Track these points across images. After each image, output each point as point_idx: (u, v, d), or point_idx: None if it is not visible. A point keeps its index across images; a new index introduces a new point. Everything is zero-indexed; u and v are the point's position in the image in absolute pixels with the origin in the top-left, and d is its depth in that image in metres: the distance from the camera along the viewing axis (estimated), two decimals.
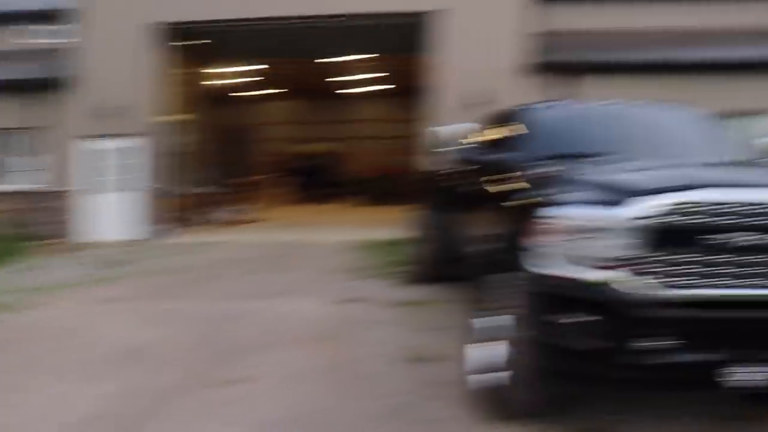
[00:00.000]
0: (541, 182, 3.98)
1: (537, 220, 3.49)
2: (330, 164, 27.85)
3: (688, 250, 3.11)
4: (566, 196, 3.44)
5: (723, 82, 13.99)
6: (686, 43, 15.13)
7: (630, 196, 3.21)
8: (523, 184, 4.28)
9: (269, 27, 14.77)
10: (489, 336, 4.04)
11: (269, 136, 30.32)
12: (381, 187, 22.41)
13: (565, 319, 3.25)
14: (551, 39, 15.31)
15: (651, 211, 3.11)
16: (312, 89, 29.41)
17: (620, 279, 3.15)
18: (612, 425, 3.87)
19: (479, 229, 5.51)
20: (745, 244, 3.10)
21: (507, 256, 4.30)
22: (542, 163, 4.38)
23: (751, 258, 3.13)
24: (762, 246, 3.12)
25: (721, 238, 3.10)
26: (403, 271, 8.84)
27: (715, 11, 16.39)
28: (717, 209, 3.10)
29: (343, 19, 14.16)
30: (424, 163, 13.91)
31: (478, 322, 4.20)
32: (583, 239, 3.22)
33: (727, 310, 3.15)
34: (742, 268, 3.13)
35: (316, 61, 22.19)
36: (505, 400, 3.68)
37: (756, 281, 3.14)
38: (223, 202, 17.51)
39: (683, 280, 3.12)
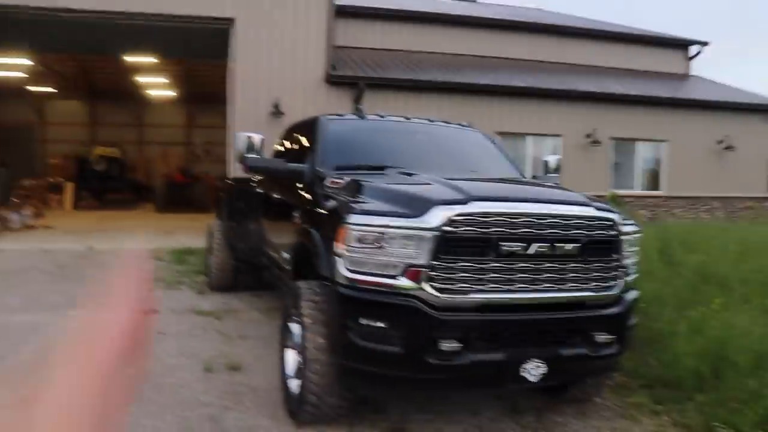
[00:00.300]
0: (336, 192, 4.27)
1: (334, 228, 3.75)
2: (127, 169, 26.42)
3: (466, 258, 3.51)
4: (361, 206, 3.71)
5: (496, 104, 15.63)
6: (464, 68, 16.78)
7: (420, 207, 3.54)
8: (319, 194, 4.54)
9: (56, 18, 13.66)
10: (296, 341, 4.25)
11: (60, 138, 28.23)
12: (180, 194, 21.74)
13: (364, 323, 3.52)
14: (345, 54, 16.09)
15: (438, 222, 3.45)
16: (109, 90, 27.89)
17: (412, 285, 3.47)
18: (419, 425, 4.21)
19: (278, 238, 5.72)
20: (512, 252, 3.57)
21: (308, 263, 4.56)
22: (334, 174, 4.68)
23: (520, 265, 3.62)
24: (527, 255, 3.61)
25: (493, 247, 3.53)
26: (204, 280, 8.79)
27: (492, 42, 18.49)
28: (490, 221, 3.53)
29: (140, 19, 13.54)
30: (224, 170, 13.93)
31: (286, 328, 4.38)
32: (379, 246, 3.51)
33: (501, 314, 3.61)
34: (511, 274, 3.61)
35: (112, 59, 21.08)
36: (313, 405, 3.86)
37: (522, 286, 3.64)
38: (4, 206, 15.98)
39: (463, 287, 3.51)
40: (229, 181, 8.83)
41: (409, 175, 4.54)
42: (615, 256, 3.95)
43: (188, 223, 17.27)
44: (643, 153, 17.21)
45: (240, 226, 7.58)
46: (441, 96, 15.12)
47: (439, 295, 3.47)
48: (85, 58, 22.51)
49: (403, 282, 3.49)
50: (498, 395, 4.74)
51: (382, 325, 3.51)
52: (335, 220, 3.82)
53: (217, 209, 9.11)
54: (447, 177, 4.24)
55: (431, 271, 3.47)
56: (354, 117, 5.80)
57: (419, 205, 3.58)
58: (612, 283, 3.96)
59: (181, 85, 26.77)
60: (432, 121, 6.10)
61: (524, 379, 3.62)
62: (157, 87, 27.20)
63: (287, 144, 6.70)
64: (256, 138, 5.26)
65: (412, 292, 3.48)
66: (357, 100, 14.35)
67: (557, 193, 4.14)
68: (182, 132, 31.37)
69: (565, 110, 16.15)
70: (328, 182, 4.53)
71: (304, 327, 3.88)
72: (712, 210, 17.31)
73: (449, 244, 3.48)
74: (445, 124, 6.15)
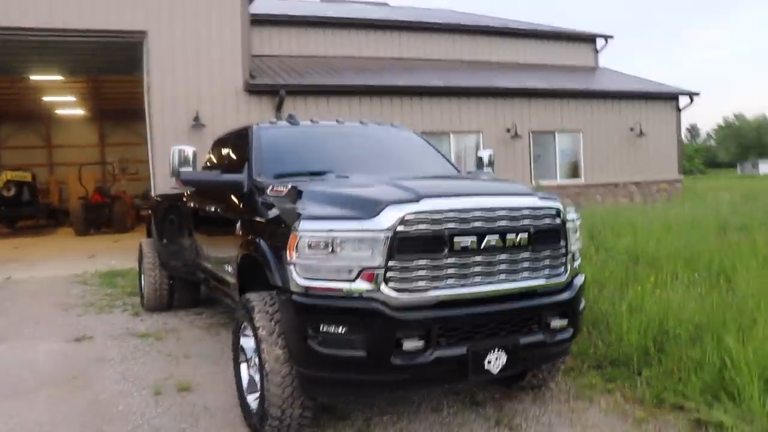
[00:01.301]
0: (279, 200, 4.18)
1: (283, 236, 3.66)
2: (39, 193, 25.20)
3: (421, 256, 3.49)
4: (309, 211, 3.65)
5: (416, 105, 15.83)
6: (382, 71, 16.95)
7: (371, 209, 3.50)
8: (261, 204, 4.43)
9: None
10: (252, 356, 4.13)
11: None
12: (99, 215, 20.94)
13: (324, 330, 3.46)
14: (263, 62, 15.96)
15: (391, 222, 3.42)
16: (13, 111, 26.60)
17: (369, 288, 3.42)
18: (384, 427, 4.17)
19: (219, 251, 5.57)
20: (465, 246, 3.58)
21: (255, 274, 4.46)
22: (275, 182, 4.59)
23: (474, 259, 3.63)
24: (481, 248, 3.63)
25: (447, 243, 3.53)
26: (138, 301, 8.48)
27: (408, 44, 18.81)
28: (442, 218, 3.53)
29: (48, 35, 12.93)
30: (144, 188, 13.54)
31: (239, 343, 4.27)
32: (331, 251, 3.45)
33: (460, 308, 3.60)
34: (467, 268, 3.62)
35: (16, 79, 20.12)
36: (276, 418, 3.75)
37: (478, 280, 3.66)
38: None
39: (420, 285, 3.49)
40: (158, 198, 8.54)
41: (352, 178, 4.50)
42: (562, 243, 4.03)
43: (111, 244, 16.69)
44: (561, 144, 17.76)
45: (173, 243, 7.35)
46: (362, 99, 15.17)
47: (397, 295, 3.45)
48: None
49: (360, 285, 3.44)
50: (456, 390, 4.76)
51: (342, 330, 3.46)
52: (283, 229, 3.74)
53: (147, 227, 8.80)
54: (389, 178, 4.23)
55: (387, 272, 3.44)
56: (287, 124, 5.69)
57: (370, 207, 3.54)
58: (561, 269, 4.04)
59: (90, 103, 25.86)
60: (364, 123, 6.08)
61: (487, 371, 3.65)
62: (66, 106, 26.20)
63: (217, 156, 6.54)
64: (189, 151, 5.11)
65: (369, 295, 3.44)
66: (278, 107, 14.20)
67: (503, 186, 4.19)
68: (95, 151, 30.32)
69: (485, 107, 16.49)
70: (269, 191, 4.43)
71: (259, 340, 3.77)
72: (630, 194, 18.05)
73: (403, 244, 3.46)
74: (377, 125, 6.14)
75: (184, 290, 7.97)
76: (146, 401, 4.73)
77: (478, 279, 3.67)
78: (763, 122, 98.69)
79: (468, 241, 3.60)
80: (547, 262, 3.96)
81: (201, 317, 7.68)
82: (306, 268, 3.52)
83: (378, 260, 3.43)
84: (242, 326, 4.19)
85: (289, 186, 4.15)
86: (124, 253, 13.78)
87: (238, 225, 4.70)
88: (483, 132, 16.50)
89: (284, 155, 5.19)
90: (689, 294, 6.12)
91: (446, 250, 3.55)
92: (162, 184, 12.33)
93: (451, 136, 16.32)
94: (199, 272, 6.69)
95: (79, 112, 27.68)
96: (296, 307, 3.55)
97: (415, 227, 3.48)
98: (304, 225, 3.53)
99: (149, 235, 8.46)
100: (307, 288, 3.52)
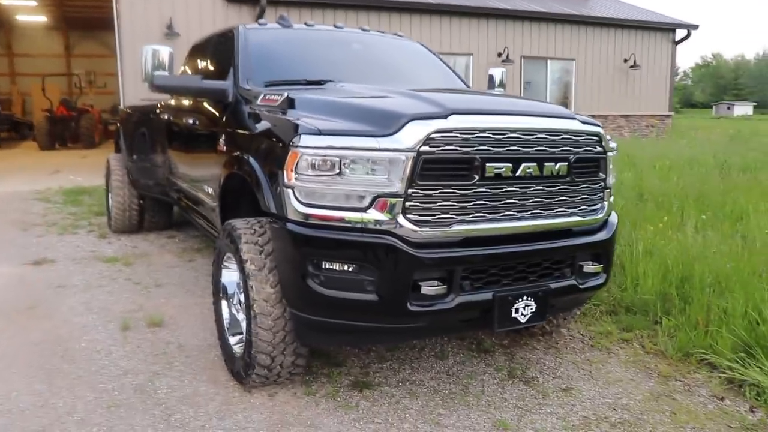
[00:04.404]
0: (273, 110, 3.53)
1: (280, 154, 3.05)
2: (1, 103, 23.81)
3: (447, 183, 2.91)
4: (312, 123, 3.00)
5: (406, 23, 14.95)
6: None
7: (390, 124, 2.89)
8: (250, 115, 3.77)
9: None
10: (235, 292, 3.57)
11: None
12: (64, 129, 19.85)
13: (327, 267, 2.89)
14: None
15: (414, 141, 2.81)
16: None
17: (384, 218, 2.85)
18: (384, 376, 3.68)
19: (196, 170, 4.92)
20: (499, 174, 3.00)
21: (241, 197, 3.85)
22: (266, 90, 3.93)
23: (506, 189, 3.07)
24: (515, 177, 3.06)
25: (478, 168, 2.95)
26: (104, 221, 7.81)
27: None
28: (474, 138, 2.93)
29: None
30: (120, 101, 12.62)
31: (220, 276, 3.69)
32: (338, 173, 2.85)
33: (487, 247, 3.04)
34: (498, 200, 3.05)
35: None
36: (264, 366, 3.23)
37: (509, 214, 3.09)
38: None
39: (444, 218, 2.93)
40: (128, 110, 7.73)
41: (358, 88, 3.83)
42: (601, 175, 3.48)
43: (77, 160, 15.80)
44: (552, 72, 17.05)
45: (144, 159, 6.65)
46: (348, 13, 14.25)
47: (417, 228, 2.87)
48: None
49: (373, 215, 2.85)
50: (461, 335, 4.27)
51: (349, 268, 2.89)
52: (279, 145, 3.12)
53: (115, 142, 8.03)
54: (407, 89, 3.58)
55: (406, 201, 2.85)
56: (278, 26, 4.92)
57: (388, 121, 2.91)
58: (598, 205, 3.51)
59: (54, 10, 24.18)
60: (366, 30, 5.34)
61: (515, 320, 3.13)
62: (27, 11, 24.49)
63: (194, 66, 5.77)
64: (164, 52, 4.37)
65: (384, 227, 2.86)
66: (259, 18, 13.19)
67: (541, 106, 3.54)
68: (61, 62, 28.65)
69: (477, 28, 15.65)
70: (260, 100, 3.76)
71: (246, 275, 3.18)
72: (619, 128, 17.54)
73: (427, 168, 2.86)
74: (380, 34, 5.41)
75: (155, 211, 7.31)
76: (113, 337, 4.17)
77: (509, 213, 3.11)
78: (741, 63, 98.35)
79: (502, 167, 3.02)
80: (584, 196, 3.40)
81: (173, 241, 7.07)
82: (307, 193, 2.91)
83: (396, 186, 2.83)
84: (224, 257, 3.60)
85: (285, 94, 3.48)
86: (90, 170, 12.97)
87: (222, 140, 4.04)
88: (474, 55, 15.71)
89: (275, 61, 4.48)
90: (707, 238, 5.67)
91: (476, 178, 2.96)
92: (131, 97, 11.50)
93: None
94: (172, 192, 6.04)
95: (42, 18, 25.97)
96: (294, 238, 2.95)
97: (442, 148, 2.88)
98: (305, 140, 2.90)
99: (117, 150, 7.71)
100: (307, 216, 2.92)
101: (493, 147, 2.99)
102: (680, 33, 18.35)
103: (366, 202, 2.86)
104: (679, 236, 5.80)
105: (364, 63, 4.80)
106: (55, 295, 5.01)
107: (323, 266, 2.91)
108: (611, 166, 3.59)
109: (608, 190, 3.56)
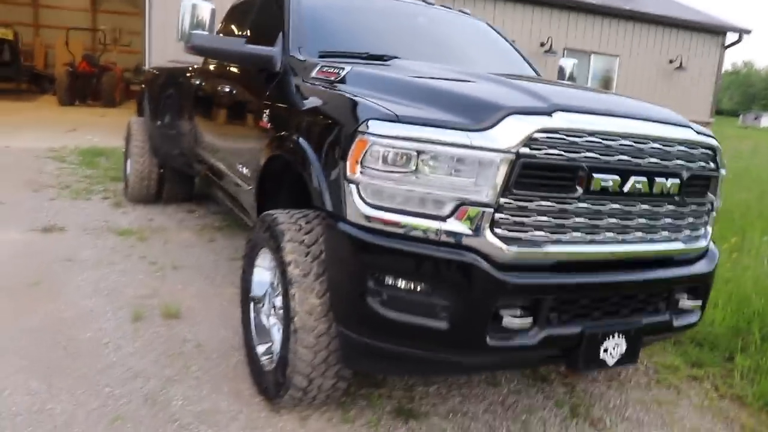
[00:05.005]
0: (332, 86, 3.00)
1: (343, 140, 2.53)
2: (21, 55, 23.26)
3: (543, 194, 2.39)
4: (388, 106, 2.47)
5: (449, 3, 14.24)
6: None
7: (484, 115, 2.36)
8: (304, 89, 3.25)
9: None
10: (270, 297, 3.07)
11: None
12: (85, 85, 19.35)
13: (392, 284, 2.38)
14: None
15: (514, 140, 2.28)
16: None
17: (467, 231, 2.33)
18: (431, 404, 3.19)
19: (230, 144, 4.41)
20: (605, 188, 2.47)
21: (284, 183, 3.34)
22: (322, 61, 3.41)
23: (610, 206, 2.54)
24: (621, 192, 2.52)
25: (582, 179, 2.42)
26: (120, 188, 7.33)
27: None
28: (581, 142, 2.41)
29: None
30: (145, 61, 12.13)
31: (252, 274, 3.18)
32: (414, 170, 2.33)
33: (582, 274, 2.53)
34: (599, 219, 2.53)
35: None
36: (300, 389, 2.74)
37: (609, 236, 2.57)
38: None
39: (537, 236, 2.41)
40: (155, 71, 7.20)
41: (434, 69, 3.27)
42: (710, 197, 2.94)
43: (96, 119, 15.33)
44: (595, 67, 16.36)
45: (169, 126, 6.14)
46: None
47: (505, 247, 2.34)
48: None
49: (454, 226, 2.33)
50: None
51: (419, 288, 2.37)
52: (342, 129, 2.59)
53: (138, 104, 7.52)
54: (492, 75, 3.04)
55: (497, 213, 2.33)
56: None
57: (482, 113, 2.38)
58: (702, 231, 2.97)
59: None
60: (430, 2, 4.76)
61: (602, 361, 2.61)
62: None
63: (233, 28, 5.23)
64: (205, 8, 3.85)
65: (466, 242, 2.34)
66: None
67: (650, 108, 2.97)
68: (86, 16, 28.06)
69: (521, 15, 14.97)
70: (315, 72, 3.24)
71: (288, 280, 2.67)
72: None
73: (526, 174, 2.33)
74: (445, 9, 4.83)
75: (175, 182, 6.81)
76: (122, 329, 3.68)
77: (609, 235, 2.58)
78: None
79: (609, 180, 2.48)
80: (690, 219, 2.87)
81: (193, 216, 6.57)
82: (374, 191, 2.39)
83: (486, 193, 2.31)
84: (259, 252, 3.09)
85: (349, 68, 2.95)
86: (109, 130, 12.48)
87: (265, 115, 3.51)
88: (515, 43, 15.01)
89: (331, 29, 3.94)
90: None
91: (580, 190, 2.43)
92: (158, 58, 10.93)
93: None
94: (197, 165, 5.55)
95: None
96: (354, 244, 2.43)
97: (545, 152, 2.34)
98: (377, 127, 2.38)
99: (140, 113, 7.19)
100: (373, 219, 2.39)
101: (601, 155, 2.46)
102: (731, 37, 17.58)
103: (446, 210, 2.34)
104: (746, 260, 5.27)
105: (430, 39, 4.24)
106: (62, 271, 4.54)
107: (387, 282, 2.39)
108: (721, 187, 3.05)
109: (713, 215, 3.03)
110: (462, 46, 4.38)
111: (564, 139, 2.37)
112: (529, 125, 2.31)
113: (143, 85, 7.45)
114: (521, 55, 4.75)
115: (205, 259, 5.15)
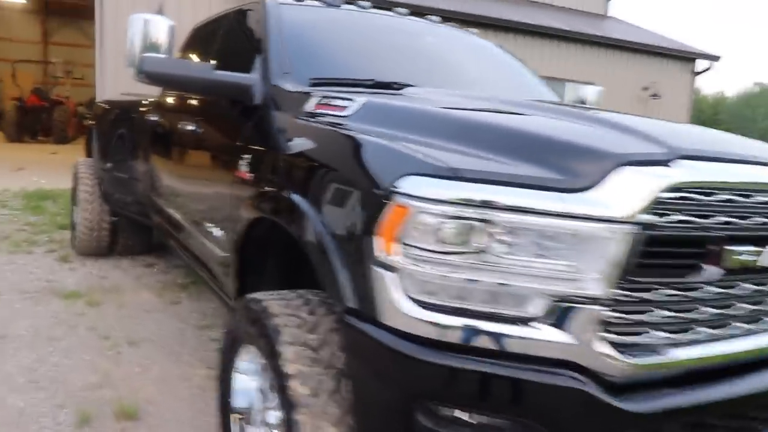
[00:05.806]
0: (339, 125, 2.23)
1: (370, 205, 1.75)
2: None
3: (668, 280, 1.65)
4: (437, 156, 1.72)
5: None
6: None
7: (584, 167, 1.62)
8: (299, 128, 2.48)
9: None
10: (253, 405, 2.25)
11: None
12: (35, 120, 18.27)
13: (448, 416, 1.59)
14: None
15: (635, 205, 1.54)
16: None
17: (569, 341, 1.56)
18: None
19: (200, 198, 3.60)
20: (742, 263, 1.74)
21: (272, 254, 2.54)
22: (310, 90, 2.66)
23: (741, 286, 1.81)
24: (755, 267, 1.79)
25: (713, 253, 1.70)
26: (68, 238, 6.41)
27: None
28: (713, 201, 1.68)
29: None
30: (100, 91, 11.23)
31: (237, 381, 2.34)
32: (481, 251, 1.57)
33: (715, 384, 1.75)
34: (728, 304, 1.79)
35: None
36: None
37: (739, 327, 1.83)
38: None
39: (661, 338, 1.65)
40: (105, 105, 6.33)
41: (460, 98, 2.53)
42: None
43: (46, 157, 14.31)
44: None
45: (121, 169, 5.29)
46: None
47: (620, 357, 1.58)
48: None
49: (545, 332, 1.57)
50: None
51: (494, 424, 1.60)
52: (369, 187, 1.78)
53: (86, 144, 6.64)
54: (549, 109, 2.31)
55: (611, 310, 1.57)
56: (320, 4, 3.58)
57: (577, 161, 1.64)
58: None
59: None
60: (433, 20, 4.03)
61: None
62: None
63: (197, 56, 4.43)
64: (162, 25, 3.06)
65: (566, 355, 1.57)
66: None
67: (760, 146, 2.27)
68: (37, 48, 26.91)
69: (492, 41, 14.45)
70: (313, 106, 2.47)
71: (291, 402, 1.87)
72: None
73: (650, 253, 1.59)
74: (446, 27, 4.10)
75: (131, 232, 5.94)
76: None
77: (738, 325, 1.84)
78: (720, 100, 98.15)
79: (742, 252, 1.75)
80: None
81: (152, 271, 5.70)
82: (422, 282, 1.60)
83: (592, 282, 1.54)
84: (240, 349, 2.28)
85: (362, 100, 2.19)
86: (59, 169, 11.48)
87: (244, 162, 2.70)
88: None
89: (324, 50, 3.17)
90: None
91: (711, 269, 1.70)
92: (110, 90, 10.08)
93: None
94: (154, 215, 4.71)
95: (22, 0, 24.33)
96: (396, 361, 1.63)
97: (670, 218, 1.60)
98: (422, 186, 1.61)
99: (89, 153, 6.32)
100: (418, 323, 1.61)
101: (736, 218, 1.73)
102: (701, 65, 17.39)
103: (532, 309, 1.57)
104: None
105: (440, 63, 3.51)
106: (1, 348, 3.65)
107: (441, 413, 1.61)
108: None
109: None
110: (478, 69, 3.66)
111: (695, 199, 1.64)
112: (654, 181, 1.57)
113: (92, 121, 6.58)
114: (539, 81, 4.05)
115: (169, 329, 4.29)
